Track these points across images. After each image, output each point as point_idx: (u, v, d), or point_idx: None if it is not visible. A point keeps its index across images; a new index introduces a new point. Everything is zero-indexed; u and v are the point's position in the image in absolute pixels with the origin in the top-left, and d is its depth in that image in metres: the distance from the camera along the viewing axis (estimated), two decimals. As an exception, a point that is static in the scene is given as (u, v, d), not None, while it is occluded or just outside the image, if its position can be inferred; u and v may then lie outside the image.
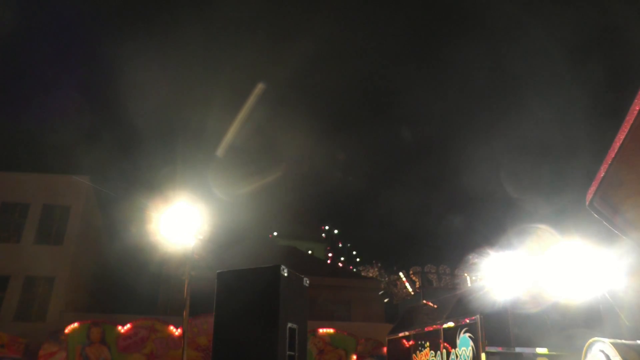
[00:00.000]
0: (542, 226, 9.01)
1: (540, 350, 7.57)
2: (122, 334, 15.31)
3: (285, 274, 5.06)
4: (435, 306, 10.55)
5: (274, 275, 5.00)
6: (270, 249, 26.58)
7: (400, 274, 11.80)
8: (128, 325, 15.48)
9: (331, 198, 76.73)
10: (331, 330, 16.71)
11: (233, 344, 5.00)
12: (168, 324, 15.85)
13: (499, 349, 7.62)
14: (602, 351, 4.82)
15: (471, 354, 7.94)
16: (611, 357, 4.69)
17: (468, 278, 11.18)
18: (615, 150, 3.51)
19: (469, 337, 8.11)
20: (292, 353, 5.02)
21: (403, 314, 12.74)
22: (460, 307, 9.04)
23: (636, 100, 3.17)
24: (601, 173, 3.80)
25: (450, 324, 8.83)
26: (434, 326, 9.47)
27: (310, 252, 36.59)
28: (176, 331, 15.63)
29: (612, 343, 4.77)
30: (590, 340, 5.08)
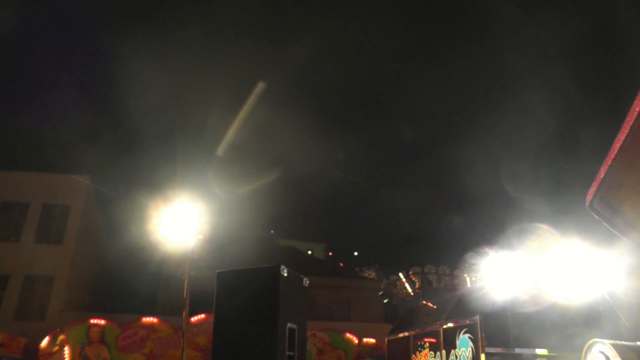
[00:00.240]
0: (542, 226, 8.99)
1: (540, 351, 7.57)
2: (122, 333, 15.31)
3: (285, 274, 5.05)
4: (435, 307, 10.55)
5: (274, 275, 4.99)
6: (269, 249, 26.58)
7: (400, 274, 11.80)
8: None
9: (331, 198, 76.68)
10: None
11: (232, 344, 5.00)
12: (168, 323, 15.85)
13: (499, 350, 7.61)
14: (602, 352, 4.82)
15: (471, 355, 7.94)
16: (611, 358, 4.69)
17: (468, 279, 11.17)
18: (616, 151, 3.50)
19: (469, 337, 8.10)
20: (292, 353, 5.01)
21: (403, 315, 12.74)
22: (460, 308, 9.03)
23: (636, 101, 3.17)
24: (601, 174, 3.80)
25: (450, 325, 8.83)
26: (434, 327, 9.47)
27: (309, 252, 36.63)
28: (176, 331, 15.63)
29: (611, 344, 4.77)
30: (590, 341, 5.07)
